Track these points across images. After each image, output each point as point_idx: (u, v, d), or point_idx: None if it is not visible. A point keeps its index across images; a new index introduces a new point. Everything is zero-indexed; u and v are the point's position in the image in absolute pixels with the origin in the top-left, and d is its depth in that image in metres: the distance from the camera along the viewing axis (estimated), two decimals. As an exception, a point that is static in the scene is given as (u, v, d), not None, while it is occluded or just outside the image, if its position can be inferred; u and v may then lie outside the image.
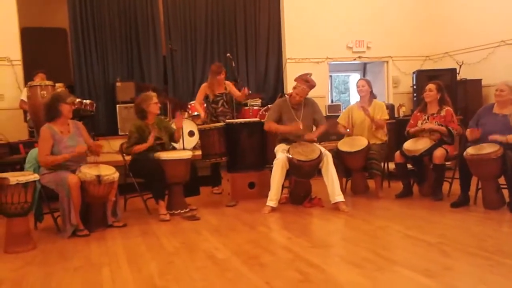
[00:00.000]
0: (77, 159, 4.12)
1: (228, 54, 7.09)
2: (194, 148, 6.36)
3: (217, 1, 8.77)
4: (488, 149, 4.10)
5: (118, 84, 7.74)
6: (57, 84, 5.79)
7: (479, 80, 8.45)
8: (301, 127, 4.74)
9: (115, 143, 6.04)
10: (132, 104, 7.38)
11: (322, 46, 9.01)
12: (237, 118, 6.02)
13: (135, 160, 4.70)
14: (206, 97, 5.68)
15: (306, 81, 4.76)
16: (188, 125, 6.60)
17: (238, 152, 5.29)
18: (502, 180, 4.19)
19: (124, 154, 4.83)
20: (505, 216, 3.99)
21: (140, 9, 8.28)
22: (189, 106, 7.23)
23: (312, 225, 4.30)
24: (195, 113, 6.92)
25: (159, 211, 4.45)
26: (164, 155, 4.58)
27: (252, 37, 8.95)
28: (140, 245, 3.64)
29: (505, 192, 4.20)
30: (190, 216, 4.47)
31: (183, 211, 4.63)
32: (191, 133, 6.63)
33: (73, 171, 4.01)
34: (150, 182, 4.54)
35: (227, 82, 5.82)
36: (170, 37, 8.38)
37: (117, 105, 7.59)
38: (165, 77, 8.49)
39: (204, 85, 5.80)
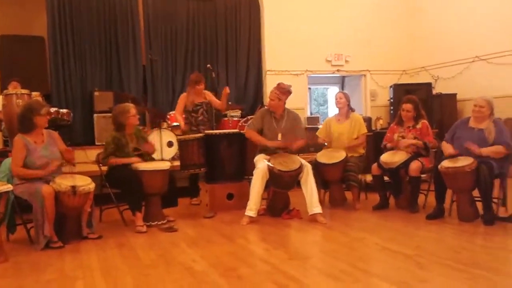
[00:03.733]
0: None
1: (209, 65, 7.10)
2: (173, 158, 6.31)
3: (198, 12, 8.79)
4: (462, 162, 4.19)
5: (96, 93, 7.64)
6: (33, 93, 5.68)
7: (454, 95, 8.66)
8: (279, 138, 4.76)
9: (92, 153, 5.94)
10: (110, 114, 7.35)
11: (302, 58, 9.11)
12: (217, 129, 6.01)
13: (111, 170, 4.64)
14: (185, 107, 5.67)
15: (277, 85, 4.83)
16: (167, 136, 6.56)
17: (217, 163, 5.28)
18: (476, 193, 4.27)
19: (101, 164, 4.76)
20: (479, 229, 4.06)
21: (120, 18, 8.23)
22: (168, 117, 7.19)
23: (290, 237, 4.30)
24: (175, 124, 6.88)
25: (136, 222, 4.39)
26: (142, 166, 4.53)
27: (233, 48, 8.99)
28: (116, 257, 3.58)
29: (479, 205, 4.28)
30: (168, 227, 4.42)
31: (160, 223, 4.58)
32: (170, 144, 6.58)
33: (47, 182, 3.92)
34: (127, 192, 4.48)
35: (206, 92, 5.83)
36: (150, 47, 8.34)
37: (95, 115, 7.49)
38: (144, 86, 8.43)
39: (183, 95, 5.79)
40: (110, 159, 4.54)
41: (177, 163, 5.53)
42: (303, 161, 4.67)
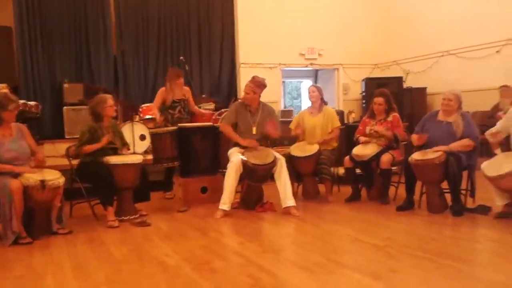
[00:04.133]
0: (19, 163, 3.93)
1: (182, 58, 7.04)
2: (145, 152, 6.24)
3: (170, 2, 8.68)
4: (431, 154, 4.28)
5: (65, 85, 7.47)
6: (0, 85, 5.51)
7: (424, 88, 8.84)
8: (257, 144, 4.75)
9: (61, 147, 5.80)
10: (80, 107, 7.21)
11: (275, 52, 9.13)
12: (190, 122, 5.96)
13: (82, 164, 4.54)
14: (164, 102, 5.59)
15: (252, 78, 4.82)
16: (140, 129, 6.47)
17: (191, 157, 5.24)
18: (445, 185, 4.38)
19: (71, 157, 4.67)
20: (447, 220, 4.17)
21: (91, 7, 8.05)
22: (140, 109, 7.09)
23: (264, 230, 4.32)
24: (147, 117, 6.79)
25: (107, 217, 4.32)
26: (114, 159, 4.46)
27: (206, 40, 8.93)
28: (87, 252, 3.52)
29: (448, 197, 4.39)
30: (140, 222, 4.37)
31: (132, 217, 4.52)
32: (142, 137, 6.49)
33: (15, 176, 3.82)
34: (98, 187, 4.40)
35: (186, 88, 5.76)
36: (121, 37, 8.20)
37: (64, 107, 7.33)
38: (115, 78, 8.28)
39: (162, 89, 5.69)
40: (84, 147, 4.44)
41: (150, 156, 5.46)
42: (277, 155, 4.69)
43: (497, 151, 4.26)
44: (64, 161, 4.83)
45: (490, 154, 4.23)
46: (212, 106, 7.58)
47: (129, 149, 4.94)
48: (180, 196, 5.27)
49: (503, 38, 7.64)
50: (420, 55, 9.15)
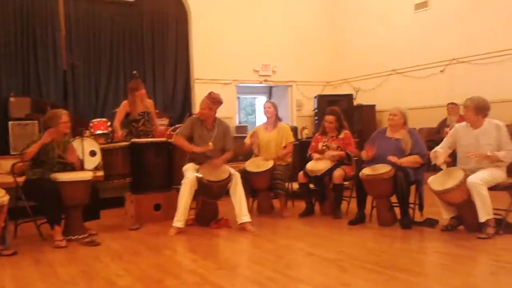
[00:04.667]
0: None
1: (135, 72, 6.90)
2: (96, 168, 6.04)
3: (123, 16, 8.57)
4: (381, 170, 4.42)
5: (11, 99, 7.15)
6: None
7: (373, 106, 9.16)
8: (211, 148, 4.73)
9: (6, 163, 5.53)
10: (27, 121, 6.92)
11: (230, 68, 9.20)
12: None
13: (28, 181, 4.34)
14: (127, 115, 5.46)
15: (208, 95, 4.81)
16: (90, 145, 6.26)
17: (144, 173, 5.13)
18: (394, 199, 4.52)
19: (17, 174, 4.45)
20: (397, 233, 4.30)
21: (39, 19, 7.81)
22: (91, 124, 6.90)
23: (219, 246, 4.28)
24: (98, 132, 6.61)
25: (54, 237, 4.13)
26: (62, 176, 4.29)
27: (160, 55, 8.86)
28: (32, 274, 3.34)
29: (397, 210, 4.53)
30: (89, 241, 4.21)
31: (81, 237, 4.34)
32: (92, 153, 6.29)
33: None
34: (45, 205, 4.20)
35: (149, 101, 5.67)
36: (71, 51, 7.98)
37: (10, 122, 7.00)
38: (65, 93, 8.01)
39: (125, 102, 5.56)
40: (27, 150, 4.21)
41: (100, 173, 5.30)
42: (232, 170, 4.68)
43: (443, 166, 4.46)
44: (9, 178, 4.60)
45: (436, 169, 4.40)
46: (166, 121, 7.50)
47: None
48: (132, 213, 5.14)
49: (447, 58, 8.08)
50: (369, 73, 9.51)
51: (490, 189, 3.88)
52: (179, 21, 9.04)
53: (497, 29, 7.32)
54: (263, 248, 3.94)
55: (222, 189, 4.61)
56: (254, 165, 5.17)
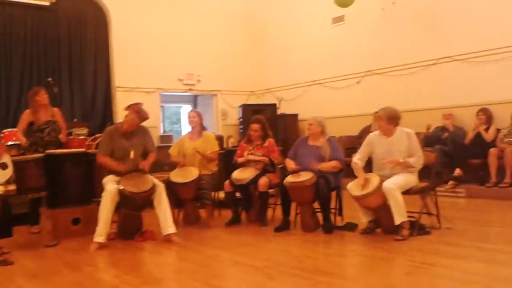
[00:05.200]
0: None
1: (50, 79, 6.56)
2: (8, 182, 5.61)
3: (38, 21, 8.09)
4: (303, 177, 4.55)
5: None
6: None
7: (296, 115, 9.44)
8: (132, 156, 4.60)
9: None
10: None
11: (153, 76, 9.02)
12: (61, 148, 5.55)
13: None
14: (31, 124, 5.13)
15: (137, 112, 4.66)
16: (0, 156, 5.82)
17: (61, 186, 4.86)
18: (316, 205, 4.67)
19: None
20: (320, 237, 4.44)
21: None
22: (1, 135, 6.41)
23: (143, 260, 4.15)
24: (10, 143, 6.16)
25: (-41, 258, 3.78)
26: (-33, 192, 3.94)
27: (78, 62, 8.47)
28: None
29: (320, 216, 4.68)
30: (2, 261, 3.90)
31: (-9, 256, 4.01)
32: (3, 166, 5.84)
33: None
34: None
35: (54, 109, 5.36)
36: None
37: None
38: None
39: (26, 111, 5.22)
40: None
41: (12, 187, 4.93)
42: (156, 181, 4.57)
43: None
44: None
45: (354, 175, 4.61)
46: (85, 131, 7.15)
47: None
48: (48, 229, 4.83)
49: (362, 70, 8.54)
50: (291, 84, 9.79)
51: (404, 193, 4.15)
52: (99, 27, 8.71)
53: (406, 44, 7.88)
54: (189, 260, 3.88)
55: (145, 201, 4.48)
56: (180, 175, 5.10)
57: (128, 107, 4.69)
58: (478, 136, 6.60)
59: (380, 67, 8.27)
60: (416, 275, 3.19)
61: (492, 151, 6.24)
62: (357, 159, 4.48)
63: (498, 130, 6.53)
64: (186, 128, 10.15)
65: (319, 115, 4.98)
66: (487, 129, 6.58)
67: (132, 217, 4.61)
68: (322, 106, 8.89)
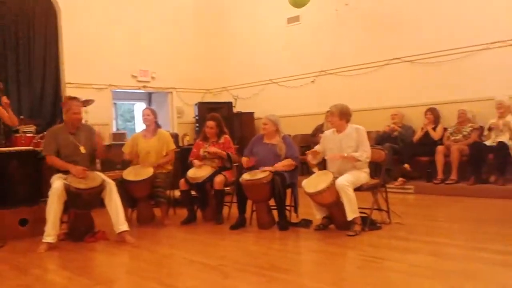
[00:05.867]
0: None
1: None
2: None
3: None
4: (259, 175, 4.58)
5: None
6: None
7: (252, 113, 9.48)
8: (83, 151, 4.48)
9: None
10: None
11: (106, 72, 8.76)
12: (7, 146, 5.30)
13: None
14: None
15: (74, 98, 4.61)
16: None
17: (6, 185, 4.65)
18: (272, 202, 4.70)
19: None
20: (275, 234, 4.48)
21: None
22: None
23: (95, 261, 4.04)
24: None
25: None
26: None
27: (25, 57, 8.08)
28: None
29: (275, 213, 4.72)
30: None
31: None
32: None
33: None
34: None
35: None
36: None
37: None
38: None
39: None
40: None
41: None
42: (105, 178, 4.45)
43: (315, 169, 4.77)
44: None
45: (309, 173, 4.70)
46: (32, 128, 6.86)
47: None
48: (-7, 231, 4.61)
49: (317, 70, 8.68)
50: (247, 82, 9.82)
51: (356, 190, 4.26)
52: (48, 21, 8.35)
53: (359, 45, 8.08)
54: (143, 259, 3.82)
55: (93, 198, 4.35)
56: (133, 173, 5.00)
57: (63, 104, 4.58)
58: (426, 134, 6.88)
59: (334, 67, 8.43)
60: (367, 268, 3.28)
61: (439, 149, 6.52)
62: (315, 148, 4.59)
63: (445, 129, 6.83)
64: (140, 126, 9.97)
65: (274, 114, 5.02)
66: (434, 128, 6.87)
67: (82, 217, 4.48)
68: (278, 104, 8.98)
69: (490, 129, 6.24)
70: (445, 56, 7.02)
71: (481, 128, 6.53)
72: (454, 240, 3.97)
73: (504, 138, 6.01)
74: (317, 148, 4.64)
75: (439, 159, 6.50)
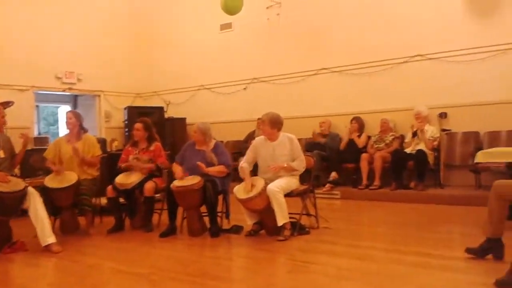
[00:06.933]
0: None
1: None
2: None
3: None
4: (191, 181, 4.53)
5: None
6: None
7: (184, 119, 9.38)
8: (2, 156, 4.20)
9: None
10: None
11: (27, 73, 8.27)
12: None
13: None
14: None
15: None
16: None
17: None
18: (204, 209, 4.67)
19: None
20: (207, 241, 4.45)
21: None
22: None
23: (13, 273, 3.78)
24: None
25: None
26: None
27: None
28: None
29: (207, 220, 4.69)
30: None
31: None
32: None
33: None
34: None
35: None
36: None
37: None
38: None
39: None
40: None
41: None
42: (28, 186, 4.19)
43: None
44: None
45: (241, 179, 4.72)
46: None
47: None
48: None
49: (249, 77, 8.78)
50: (179, 87, 9.71)
51: (286, 195, 4.35)
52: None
53: (290, 54, 8.29)
54: (67, 271, 3.63)
55: (16, 203, 4.07)
56: (55, 180, 4.73)
57: None
58: (351, 142, 7.19)
59: (265, 75, 8.57)
60: (296, 273, 3.36)
61: (364, 156, 6.84)
62: (244, 163, 4.59)
63: (369, 137, 7.18)
64: (64, 130, 9.52)
65: (205, 122, 4.99)
66: (359, 136, 7.20)
67: (0, 226, 4.17)
68: (210, 110, 8.96)
69: (414, 133, 6.57)
70: (370, 68, 7.39)
71: (401, 137, 6.94)
72: (377, 243, 4.17)
73: (422, 146, 6.43)
74: (247, 157, 4.65)
75: (364, 166, 6.81)
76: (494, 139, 6.29)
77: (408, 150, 6.57)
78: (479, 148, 5.92)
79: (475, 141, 6.49)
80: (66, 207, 4.85)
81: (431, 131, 6.54)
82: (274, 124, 4.54)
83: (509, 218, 3.50)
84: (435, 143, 6.45)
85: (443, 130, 6.65)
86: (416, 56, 6.99)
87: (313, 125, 7.63)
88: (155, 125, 5.41)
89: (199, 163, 4.61)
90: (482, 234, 3.35)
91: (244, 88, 8.87)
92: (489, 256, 3.32)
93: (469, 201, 5.67)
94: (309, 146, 7.33)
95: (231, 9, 7.53)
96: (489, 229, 3.28)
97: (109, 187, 4.86)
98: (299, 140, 4.89)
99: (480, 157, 4.62)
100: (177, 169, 4.77)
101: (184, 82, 9.64)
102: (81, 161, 4.89)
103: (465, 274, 3.14)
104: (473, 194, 5.91)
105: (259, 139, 4.72)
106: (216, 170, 4.69)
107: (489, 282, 2.77)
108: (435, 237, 4.24)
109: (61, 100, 10.46)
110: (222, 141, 5.51)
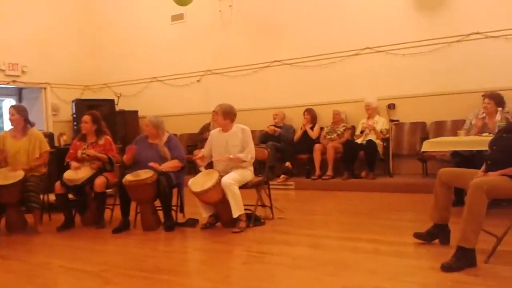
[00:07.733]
0: None
1: None
2: None
3: None
4: (143, 175, 4.45)
5: None
6: None
7: (136, 111, 9.18)
8: None
9: None
10: None
11: (-33, 64, 7.81)
12: None
13: None
14: None
15: None
16: None
17: None
18: (158, 203, 4.61)
19: None
20: (161, 235, 4.39)
21: None
22: None
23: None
24: None
25: None
26: None
27: None
28: None
29: (161, 214, 4.63)
30: None
31: None
32: None
33: None
34: None
35: None
36: None
37: None
38: None
39: None
40: None
41: None
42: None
43: (202, 168, 4.77)
44: None
45: (195, 172, 4.68)
46: None
47: None
48: None
49: (203, 69, 8.69)
50: (130, 79, 9.47)
51: (241, 187, 4.36)
52: None
53: (242, 46, 8.27)
54: (12, 271, 3.47)
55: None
56: (1, 177, 4.53)
57: None
58: (305, 133, 7.30)
59: (219, 67, 8.51)
60: (252, 264, 3.38)
61: (317, 147, 6.96)
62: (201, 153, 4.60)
63: (321, 129, 7.31)
64: (9, 124, 9.07)
65: (158, 115, 4.90)
66: (312, 128, 7.31)
67: None
68: (163, 103, 8.81)
69: (362, 131, 6.80)
70: (321, 60, 7.50)
71: (353, 128, 7.12)
72: (330, 232, 4.26)
73: (372, 136, 6.62)
74: (203, 151, 4.65)
75: (317, 156, 6.93)
76: (440, 128, 6.56)
77: (359, 141, 6.75)
78: (426, 137, 6.15)
79: (422, 131, 6.74)
80: (12, 204, 4.66)
81: (382, 122, 6.75)
82: (227, 115, 4.53)
83: (455, 204, 3.67)
84: (387, 135, 6.68)
85: (392, 120, 6.87)
86: (365, 48, 7.15)
87: (266, 117, 7.67)
88: (105, 118, 5.25)
89: (152, 164, 4.53)
90: (429, 220, 3.50)
91: (198, 80, 8.78)
92: (436, 241, 3.47)
93: (417, 189, 5.89)
94: (263, 138, 7.37)
95: (182, 0, 7.41)
96: (436, 215, 3.43)
97: (58, 183, 4.69)
98: (253, 132, 4.91)
99: (426, 146, 4.80)
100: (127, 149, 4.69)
101: (135, 74, 9.41)
102: (29, 169, 4.69)
103: (414, 259, 3.27)
104: (421, 182, 6.16)
105: (214, 131, 4.70)
106: (170, 165, 4.62)
107: (437, 266, 2.90)
108: (385, 224, 4.39)
109: (5, 93, 9.94)
110: (176, 134, 5.44)
